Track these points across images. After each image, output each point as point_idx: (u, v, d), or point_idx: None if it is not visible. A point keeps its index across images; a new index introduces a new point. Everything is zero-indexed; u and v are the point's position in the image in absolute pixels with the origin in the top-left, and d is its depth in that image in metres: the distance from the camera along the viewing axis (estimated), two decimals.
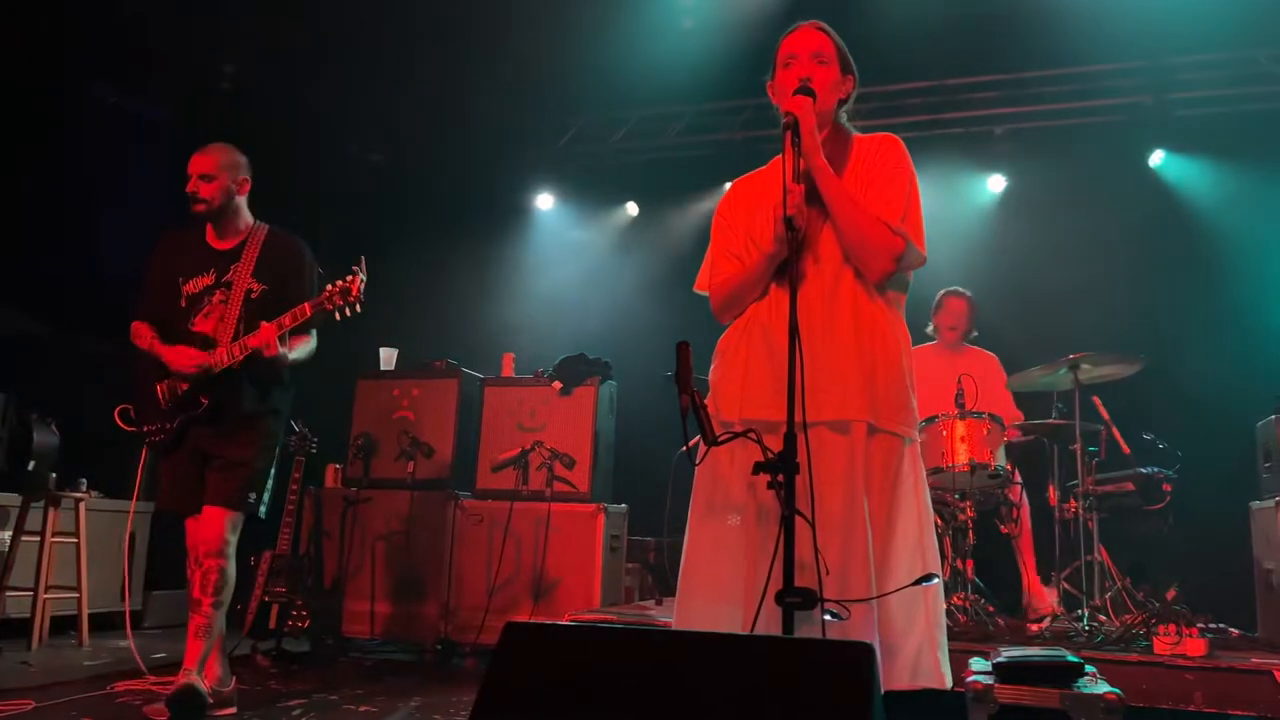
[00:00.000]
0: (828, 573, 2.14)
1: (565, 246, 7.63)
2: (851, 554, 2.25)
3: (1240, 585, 4.62)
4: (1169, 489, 4.63)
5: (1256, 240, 6.00)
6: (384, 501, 5.46)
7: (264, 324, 3.57)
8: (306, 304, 3.60)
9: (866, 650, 1.44)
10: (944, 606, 2.44)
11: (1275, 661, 3.59)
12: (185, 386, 3.66)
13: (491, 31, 6.18)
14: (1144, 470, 4.72)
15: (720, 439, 2.30)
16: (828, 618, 2.08)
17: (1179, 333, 5.82)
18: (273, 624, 4.91)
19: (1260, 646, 4.15)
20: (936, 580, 2.24)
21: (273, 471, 3.81)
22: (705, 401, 2.50)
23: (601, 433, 5.38)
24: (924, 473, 2.48)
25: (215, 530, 3.57)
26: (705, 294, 2.64)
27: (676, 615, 2.47)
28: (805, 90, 2.43)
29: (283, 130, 6.35)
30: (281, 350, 3.59)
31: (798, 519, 2.10)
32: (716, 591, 2.38)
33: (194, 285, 3.76)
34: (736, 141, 7.09)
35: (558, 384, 5.42)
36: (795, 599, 2.05)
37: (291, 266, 3.78)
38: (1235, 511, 4.69)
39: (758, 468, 2.13)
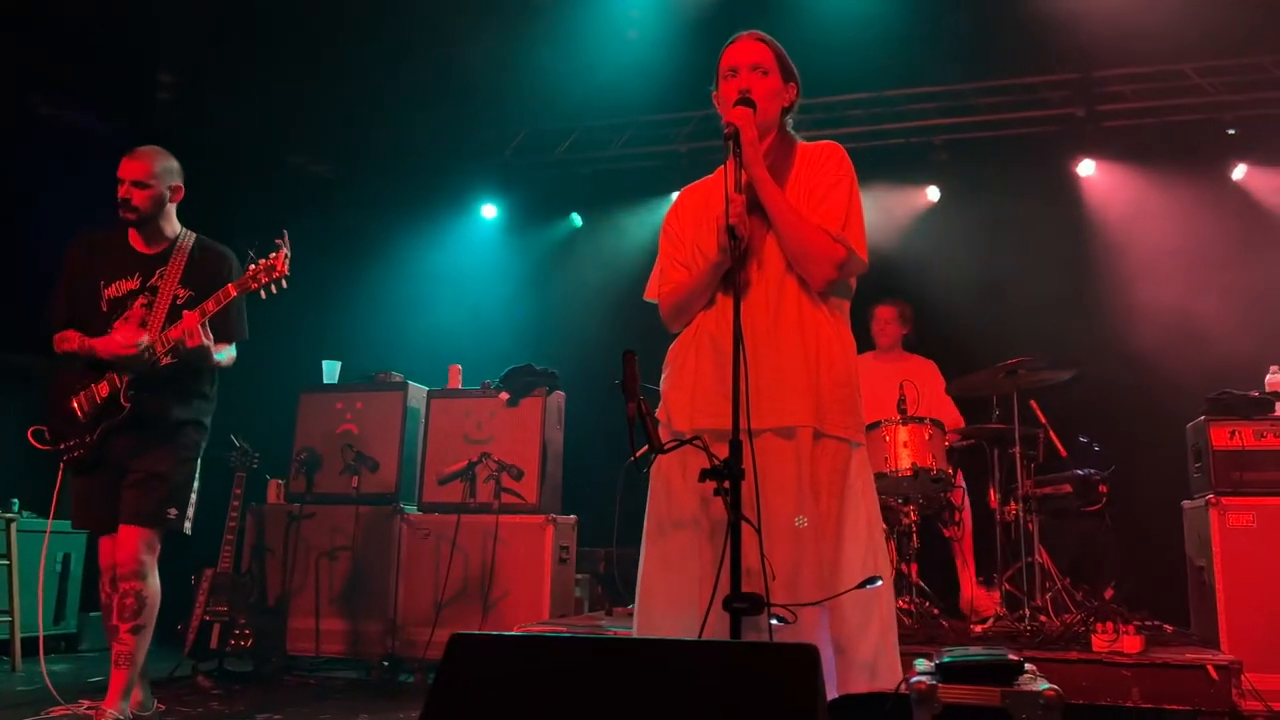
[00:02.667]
0: (774, 578, 2.17)
1: (511, 257, 7.60)
2: (802, 559, 2.28)
3: (1174, 583, 4.74)
4: (1105, 490, 4.75)
5: (1184, 247, 6.19)
6: (328, 517, 5.37)
7: (187, 313, 3.43)
8: (230, 285, 3.47)
9: (812, 652, 1.46)
10: (895, 608, 2.48)
11: (1208, 656, 3.69)
12: (105, 392, 3.49)
13: (436, 42, 6.16)
14: (1080, 472, 4.83)
15: (667, 446, 2.32)
16: (775, 622, 2.10)
17: (1112, 338, 5.98)
18: (214, 644, 4.81)
19: (1194, 642, 4.27)
20: (880, 582, 2.27)
21: (196, 485, 3.67)
22: (657, 412, 2.54)
23: (549, 443, 5.35)
24: (872, 477, 2.52)
25: (130, 550, 3.42)
26: (654, 302, 2.66)
27: (636, 625, 2.48)
28: (745, 101, 2.47)
29: (223, 140, 6.25)
30: (206, 343, 3.43)
31: (746, 525, 2.13)
32: (675, 600, 2.39)
33: (116, 289, 3.62)
34: (681, 153, 7.14)
35: (505, 395, 5.39)
36: (742, 604, 2.08)
37: (220, 273, 3.64)
38: (1168, 511, 4.81)
39: (704, 475, 2.16)
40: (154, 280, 3.61)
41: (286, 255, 3.46)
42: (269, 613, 5.14)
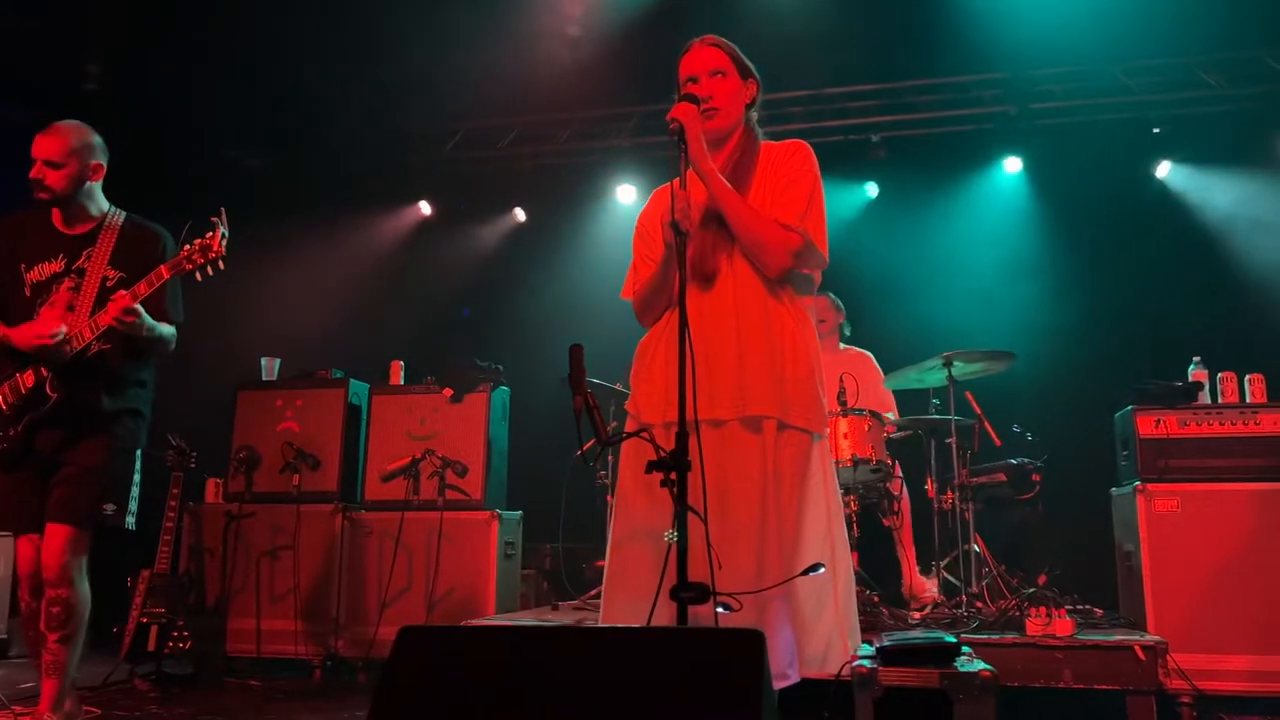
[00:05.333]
0: (721, 568, 2.21)
1: (453, 252, 7.55)
2: (766, 546, 2.32)
3: (1103, 567, 4.88)
4: (1038, 479, 4.89)
5: (1110, 241, 6.39)
6: (268, 516, 5.30)
7: (117, 294, 3.25)
8: (163, 266, 3.28)
9: (757, 637, 1.50)
10: (854, 588, 2.53)
11: (1136, 638, 3.83)
12: (31, 382, 3.30)
13: (375, 35, 6.09)
14: (1014, 462, 4.97)
15: (614, 439, 2.35)
16: (720, 610, 2.14)
17: (1044, 331, 6.14)
18: (152, 646, 4.73)
19: (1122, 624, 4.41)
20: (823, 569, 2.32)
21: (137, 479, 3.50)
22: (626, 404, 2.58)
23: (494, 439, 5.34)
24: (833, 467, 2.57)
25: (56, 553, 3.21)
26: (615, 298, 2.71)
27: (602, 616, 2.53)
28: (688, 97, 2.51)
29: (153, 133, 6.12)
30: (143, 319, 3.25)
31: (693, 516, 2.16)
32: (638, 592, 2.41)
33: (39, 272, 3.42)
34: (625, 148, 7.16)
35: (448, 391, 5.36)
36: (689, 594, 2.11)
37: (153, 254, 3.44)
38: (1098, 498, 4.96)
39: (650, 466, 2.18)
40: (80, 262, 3.42)
41: (224, 235, 3.28)
42: (208, 614, 5.05)
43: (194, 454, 5.04)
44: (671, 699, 1.43)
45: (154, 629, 4.77)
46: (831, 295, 5.57)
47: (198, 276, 3.31)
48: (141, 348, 3.45)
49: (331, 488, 5.36)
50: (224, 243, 3.29)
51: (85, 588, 3.34)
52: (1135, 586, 4.34)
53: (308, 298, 6.88)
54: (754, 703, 1.41)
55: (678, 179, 2.71)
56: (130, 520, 3.48)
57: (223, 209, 3.34)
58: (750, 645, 1.48)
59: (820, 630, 2.37)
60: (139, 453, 3.55)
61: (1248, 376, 4.52)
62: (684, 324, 2.24)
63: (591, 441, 2.35)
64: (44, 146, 3.40)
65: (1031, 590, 4.41)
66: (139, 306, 3.25)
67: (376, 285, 7.23)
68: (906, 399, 5.45)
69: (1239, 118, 6.37)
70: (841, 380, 4.63)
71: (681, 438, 2.18)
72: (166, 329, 3.44)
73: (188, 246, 3.29)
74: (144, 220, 3.60)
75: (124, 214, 3.57)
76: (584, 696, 1.46)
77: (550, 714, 1.46)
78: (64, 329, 3.28)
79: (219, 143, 7.08)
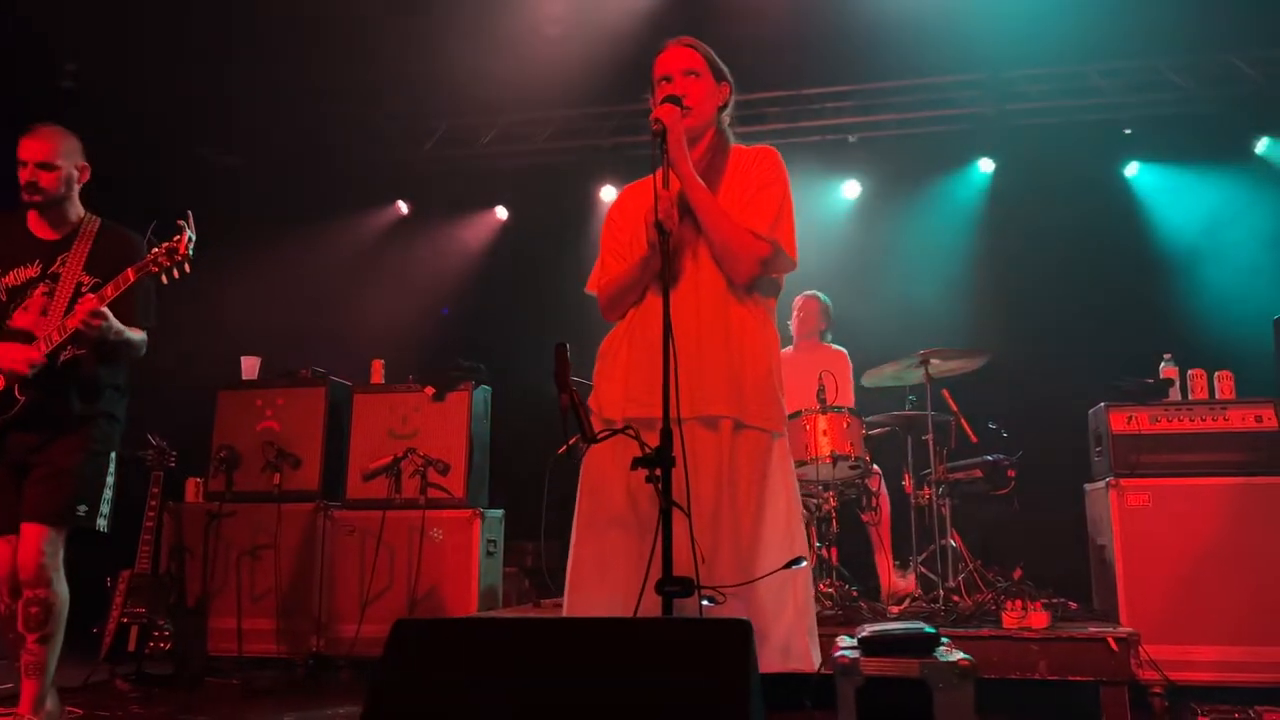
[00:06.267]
0: (704, 561, 2.25)
1: (434, 251, 7.56)
2: (719, 542, 2.36)
3: (1077, 561, 4.97)
4: (1013, 475, 4.96)
5: (1083, 240, 6.49)
6: (249, 515, 5.29)
7: (84, 297, 3.25)
8: (130, 269, 3.27)
9: (745, 627, 1.54)
10: (813, 592, 2.58)
11: (1109, 630, 3.91)
12: (0, 386, 3.30)
13: (354, 33, 6.09)
14: (990, 458, 5.04)
15: (600, 435, 2.38)
16: (706, 603, 2.18)
17: (1020, 329, 6.23)
18: (132, 646, 4.70)
19: (1096, 617, 4.50)
20: (805, 564, 2.37)
21: (110, 482, 3.48)
22: (589, 401, 2.60)
23: (476, 437, 5.35)
24: (792, 465, 2.62)
25: (33, 552, 3.20)
26: (591, 295, 2.74)
27: (566, 609, 2.54)
28: (671, 99, 2.55)
29: (128, 131, 6.07)
30: (110, 322, 3.24)
31: (676, 511, 2.20)
32: (603, 586, 2.45)
33: (14, 277, 3.41)
34: (605, 148, 7.19)
35: (430, 389, 5.37)
36: (674, 588, 2.15)
37: (128, 260, 3.39)
38: (1072, 493, 5.04)
39: (636, 463, 2.22)
40: (55, 267, 3.41)
41: (190, 238, 3.28)
42: (189, 614, 5.04)
43: (174, 453, 5.02)
44: (663, 687, 1.47)
45: (134, 629, 4.75)
46: (822, 297, 5.61)
47: (164, 279, 3.30)
48: (112, 352, 3.43)
49: (312, 487, 5.36)
50: (190, 245, 3.29)
51: (63, 587, 3.34)
52: (1108, 579, 4.42)
53: (287, 297, 6.86)
54: (742, 691, 1.45)
55: (648, 177, 2.75)
56: (102, 523, 3.46)
57: (189, 212, 3.34)
58: (738, 635, 1.52)
59: (781, 625, 2.41)
60: (113, 456, 3.54)
61: (1216, 373, 4.61)
62: (668, 324, 2.28)
63: (575, 438, 2.39)
64: (36, 149, 3.39)
65: (1007, 584, 4.49)
66: (106, 310, 3.25)
67: (356, 284, 7.22)
68: (884, 396, 5.52)
69: (1207, 119, 6.49)
70: (821, 378, 4.69)
71: (665, 435, 2.22)
72: (136, 334, 3.44)
73: (155, 249, 3.28)
74: (120, 226, 3.59)
75: (100, 219, 3.56)
76: (577, 686, 1.50)
77: (543, 703, 1.49)
78: (43, 362, 3.27)
79: (192, 139, 7.04)
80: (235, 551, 5.27)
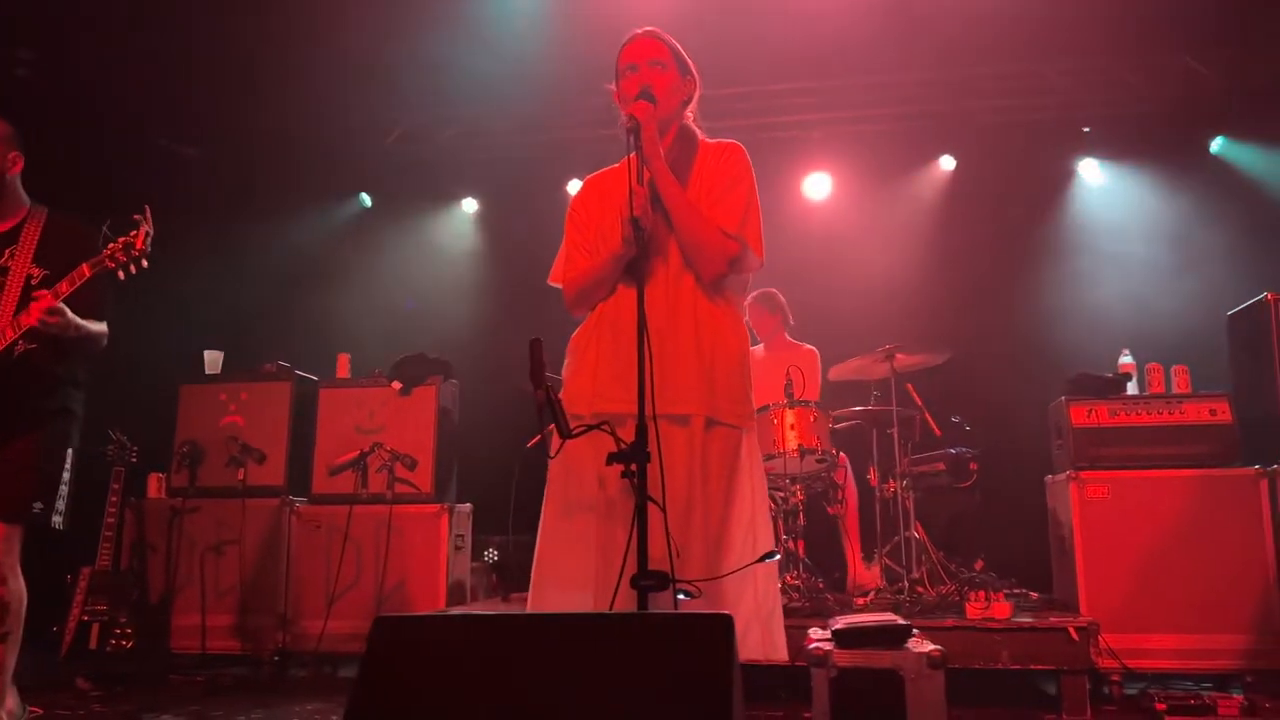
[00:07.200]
0: (678, 555, 2.27)
1: (399, 245, 7.50)
2: (689, 537, 2.38)
3: (1038, 552, 5.06)
4: (975, 467, 5.05)
5: (1042, 236, 6.61)
6: (213, 510, 5.23)
7: (39, 293, 3.16)
8: (84, 264, 3.18)
9: (726, 621, 1.56)
10: (777, 584, 2.60)
11: (1069, 619, 3.99)
12: None
13: (318, 22, 6.01)
14: (953, 451, 5.13)
15: (576, 431, 2.39)
16: (681, 597, 2.20)
17: (982, 324, 6.33)
18: (94, 644, 4.66)
19: (1056, 607, 4.59)
20: (778, 556, 2.40)
21: (68, 478, 3.41)
22: (560, 396, 2.61)
23: (444, 432, 5.33)
24: (760, 459, 2.64)
25: None
26: (557, 287, 2.72)
27: (530, 604, 2.54)
28: (646, 95, 2.55)
29: (84, 119, 5.96)
30: (69, 318, 3.17)
31: (651, 506, 2.22)
32: (569, 580, 2.47)
33: None
34: (571, 140, 7.17)
35: (397, 384, 5.34)
36: (649, 582, 2.17)
37: (81, 249, 3.29)
38: (1033, 486, 5.13)
39: (611, 458, 2.23)
40: (3, 260, 3.32)
41: (148, 233, 3.20)
42: (151, 610, 4.98)
43: (135, 448, 4.96)
44: (647, 682, 1.48)
45: (95, 626, 4.70)
46: (769, 296, 5.62)
47: (120, 275, 3.22)
48: (69, 347, 3.36)
49: (278, 482, 5.31)
50: (148, 241, 3.21)
51: (20, 585, 3.27)
52: (1069, 570, 4.51)
53: (251, 291, 6.78)
54: (725, 684, 1.47)
55: (611, 167, 2.76)
56: (58, 520, 3.40)
57: (147, 207, 3.27)
58: (720, 629, 1.54)
59: (739, 617, 2.43)
60: (70, 452, 3.46)
61: (1172, 368, 4.72)
62: (642, 321, 2.29)
63: (538, 437, 2.40)
64: None
65: (970, 575, 4.57)
66: (63, 305, 3.17)
67: (321, 278, 7.14)
68: (850, 390, 5.58)
69: (1163, 118, 6.63)
70: (789, 373, 4.73)
71: (641, 430, 2.24)
72: (96, 326, 3.36)
73: (111, 244, 3.21)
74: (72, 216, 3.50)
75: (48, 210, 3.47)
76: (560, 681, 1.51)
77: (527, 699, 1.50)
78: None
79: (151, 128, 6.92)
80: (199, 548, 5.20)
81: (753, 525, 2.50)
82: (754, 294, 5.61)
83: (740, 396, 2.55)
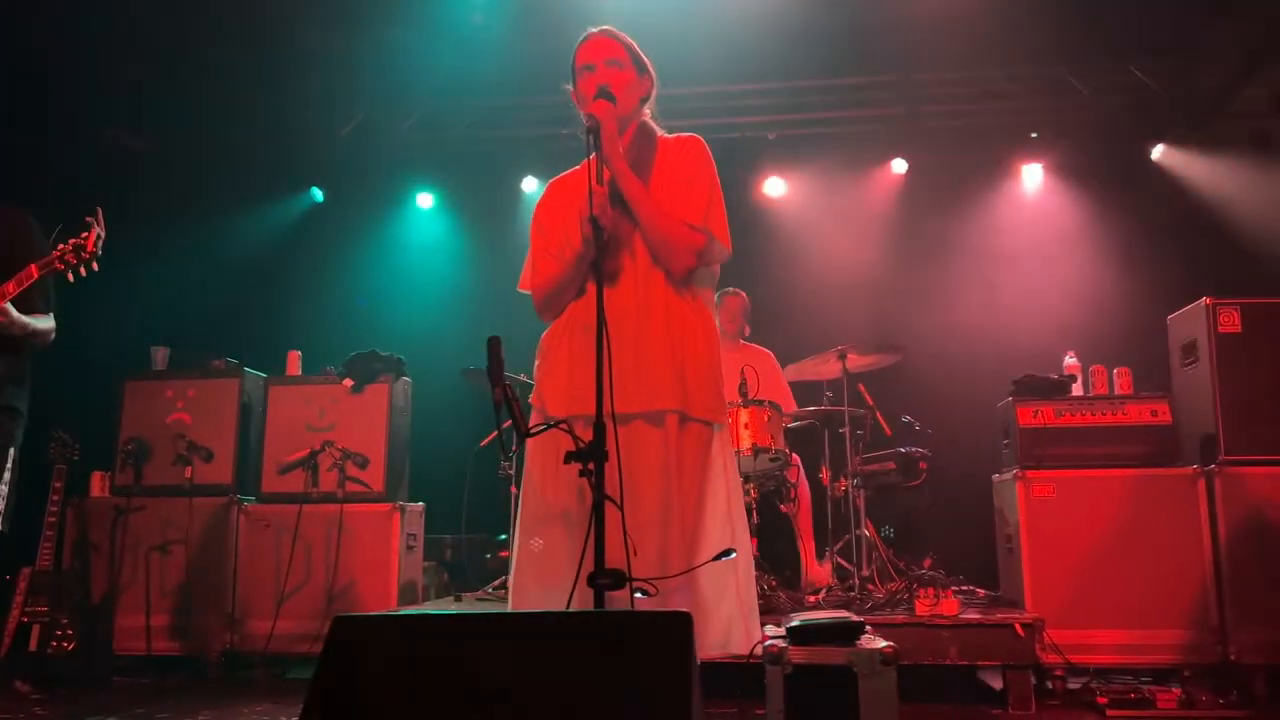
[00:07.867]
0: (635, 554, 2.28)
1: (352, 240, 7.42)
2: (669, 537, 2.39)
3: (985, 550, 5.15)
4: (925, 467, 5.13)
5: (991, 242, 6.74)
6: (159, 510, 5.13)
7: None
8: (33, 265, 3.17)
9: (684, 619, 1.57)
10: (754, 576, 2.63)
11: (1015, 615, 4.08)
12: None
13: (270, 14, 5.93)
14: (903, 450, 5.20)
15: (533, 430, 2.39)
16: (638, 595, 2.21)
17: (932, 326, 6.43)
18: (34, 646, 4.55)
19: (1003, 604, 4.68)
20: (735, 554, 2.41)
21: (7, 477, 3.36)
22: (531, 398, 2.61)
23: (396, 430, 5.28)
24: (733, 454, 2.65)
25: None
26: (525, 293, 2.72)
27: (513, 603, 2.55)
28: (605, 95, 2.55)
29: (33, 110, 5.81)
30: (14, 318, 3.15)
31: (610, 505, 2.23)
32: (548, 582, 2.46)
33: None
34: (528, 138, 7.15)
35: (349, 381, 5.27)
36: (605, 580, 2.17)
37: (17, 236, 3.29)
38: (981, 485, 5.22)
39: (569, 457, 2.23)
40: None
41: (99, 235, 3.20)
42: (94, 611, 4.87)
43: (77, 446, 4.84)
44: (606, 680, 1.49)
45: (36, 628, 4.59)
46: (743, 295, 5.67)
47: (70, 277, 3.21)
48: (15, 345, 3.30)
49: (225, 480, 5.22)
50: (99, 243, 3.20)
51: None
52: (1015, 568, 4.59)
53: (199, 285, 6.64)
54: (684, 683, 1.48)
55: (573, 170, 2.76)
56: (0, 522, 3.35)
57: (99, 209, 3.25)
58: (679, 627, 1.55)
59: (721, 614, 2.45)
60: (13, 451, 3.40)
61: (1115, 369, 4.83)
62: (601, 320, 2.29)
63: (493, 435, 2.39)
64: None
65: (920, 572, 4.64)
66: (8, 306, 3.14)
67: (271, 273, 7.03)
68: (802, 390, 5.63)
69: (1108, 125, 6.79)
70: (743, 373, 4.77)
71: (599, 429, 2.24)
72: (44, 323, 3.33)
73: (61, 245, 3.19)
74: (16, 211, 3.43)
75: None
76: (520, 680, 1.51)
77: (487, 699, 1.50)
78: None
79: (96, 118, 6.76)
80: (144, 547, 5.10)
81: (728, 519, 2.51)
82: (733, 290, 5.62)
83: (713, 392, 2.55)
